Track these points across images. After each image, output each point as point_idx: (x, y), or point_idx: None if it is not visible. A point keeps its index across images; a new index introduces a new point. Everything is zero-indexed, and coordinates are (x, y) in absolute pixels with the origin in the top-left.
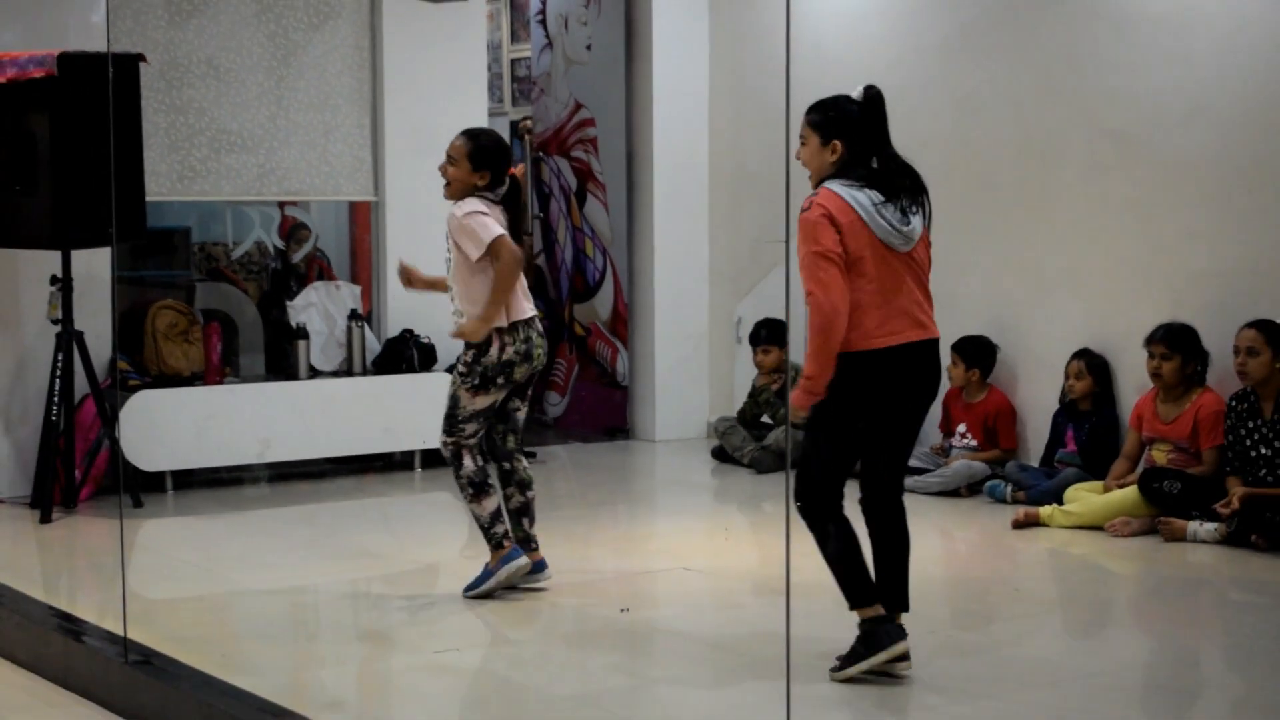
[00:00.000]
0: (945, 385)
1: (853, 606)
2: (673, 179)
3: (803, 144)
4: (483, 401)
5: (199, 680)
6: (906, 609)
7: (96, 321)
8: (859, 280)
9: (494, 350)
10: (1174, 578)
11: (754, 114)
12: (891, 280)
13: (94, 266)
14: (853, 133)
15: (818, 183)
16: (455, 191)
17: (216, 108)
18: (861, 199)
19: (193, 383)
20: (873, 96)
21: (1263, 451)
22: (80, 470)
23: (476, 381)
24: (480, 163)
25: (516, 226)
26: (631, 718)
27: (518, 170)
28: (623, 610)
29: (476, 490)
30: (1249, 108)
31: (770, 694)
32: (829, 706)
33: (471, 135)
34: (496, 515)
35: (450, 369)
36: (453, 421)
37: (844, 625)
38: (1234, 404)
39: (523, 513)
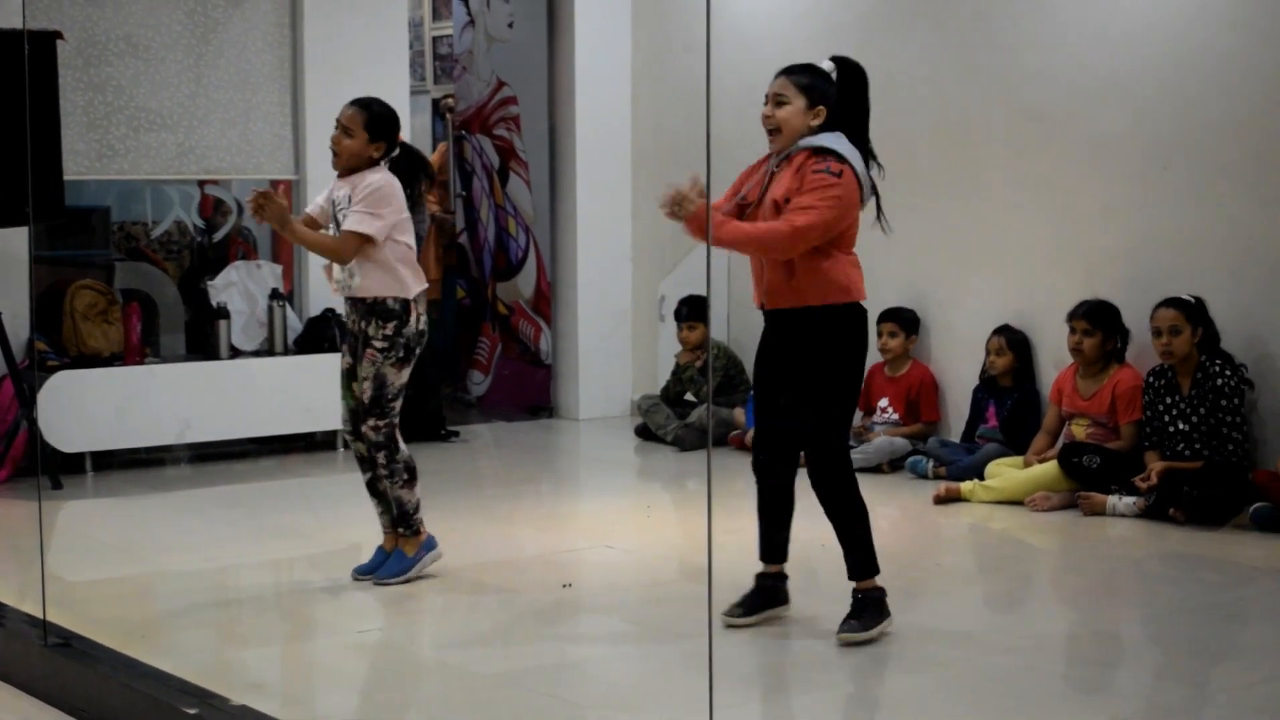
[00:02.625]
0: (875, 359)
1: (875, 573)
2: (595, 157)
3: (780, 104)
4: (405, 375)
5: (120, 662)
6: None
7: (14, 301)
8: (848, 234)
9: (412, 320)
10: (1093, 551)
11: (676, 91)
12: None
13: (11, 246)
14: (834, 101)
15: (786, 144)
16: (346, 163)
17: (135, 86)
18: (858, 158)
19: (112, 363)
20: (851, 67)
21: (1180, 426)
22: None
23: (401, 354)
24: (377, 133)
25: (414, 193)
26: (555, 694)
27: (440, 149)
28: (565, 585)
29: (411, 475)
30: (1165, 87)
31: (692, 668)
32: (750, 681)
33: (364, 105)
34: (418, 502)
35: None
36: (382, 403)
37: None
38: (1151, 380)
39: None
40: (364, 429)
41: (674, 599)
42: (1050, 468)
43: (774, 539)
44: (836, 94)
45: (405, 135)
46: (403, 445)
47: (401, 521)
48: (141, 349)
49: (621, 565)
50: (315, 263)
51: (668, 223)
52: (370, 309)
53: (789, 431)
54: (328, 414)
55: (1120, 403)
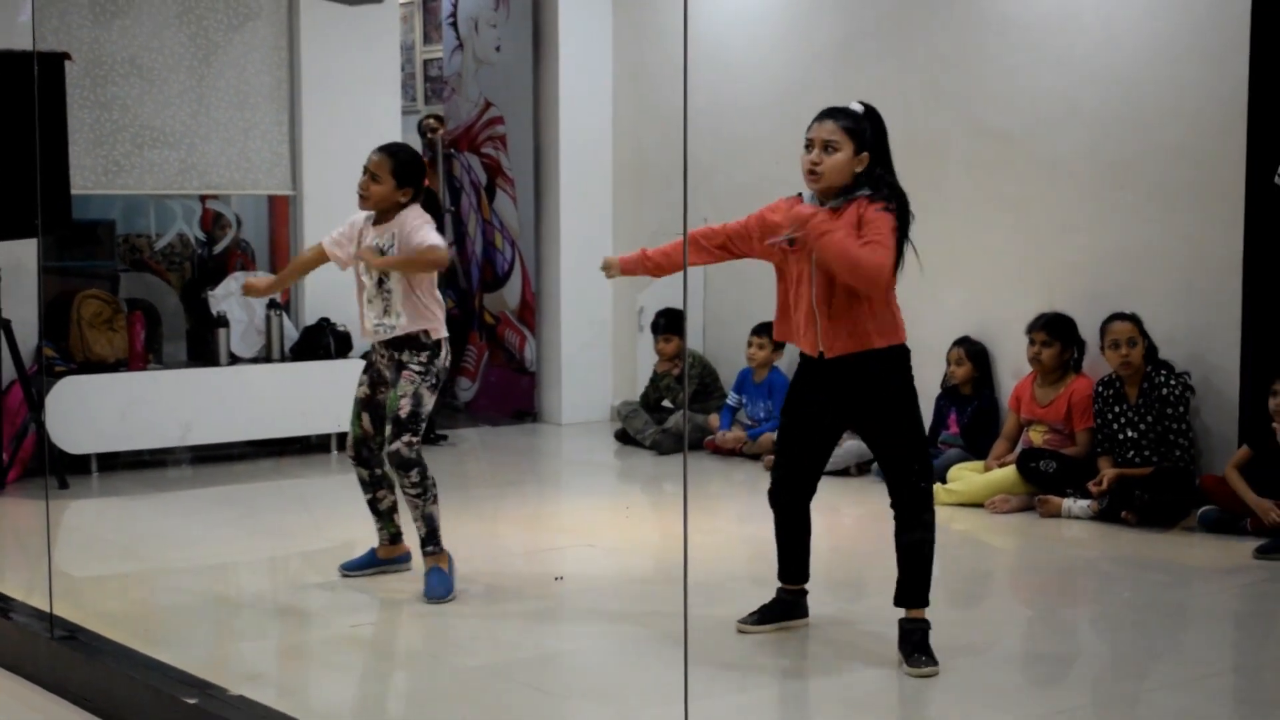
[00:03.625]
0: None
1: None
2: (578, 174)
3: (826, 150)
4: (433, 402)
5: (123, 654)
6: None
7: (23, 310)
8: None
9: (443, 355)
10: (1049, 552)
11: (655, 112)
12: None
13: (21, 257)
14: (875, 147)
15: (830, 191)
16: (376, 207)
17: (140, 105)
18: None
19: (117, 369)
20: (875, 114)
21: (1129, 434)
22: (7, 453)
23: (434, 381)
24: (404, 179)
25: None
26: (537, 686)
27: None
28: (557, 579)
29: (436, 492)
30: (1120, 109)
31: (669, 662)
32: (724, 674)
33: (391, 152)
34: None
35: (376, 372)
36: (417, 420)
37: (738, 599)
38: (1101, 390)
39: (394, 510)
40: (398, 445)
41: (651, 595)
42: (1009, 472)
43: (794, 561)
44: (878, 133)
45: None
46: (427, 464)
47: (431, 540)
48: (145, 355)
49: (601, 563)
50: (311, 273)
51: (646, 236)
52: (404, 342)
53: (813, 468)
54: (322, 418)
55: (1076, 410)
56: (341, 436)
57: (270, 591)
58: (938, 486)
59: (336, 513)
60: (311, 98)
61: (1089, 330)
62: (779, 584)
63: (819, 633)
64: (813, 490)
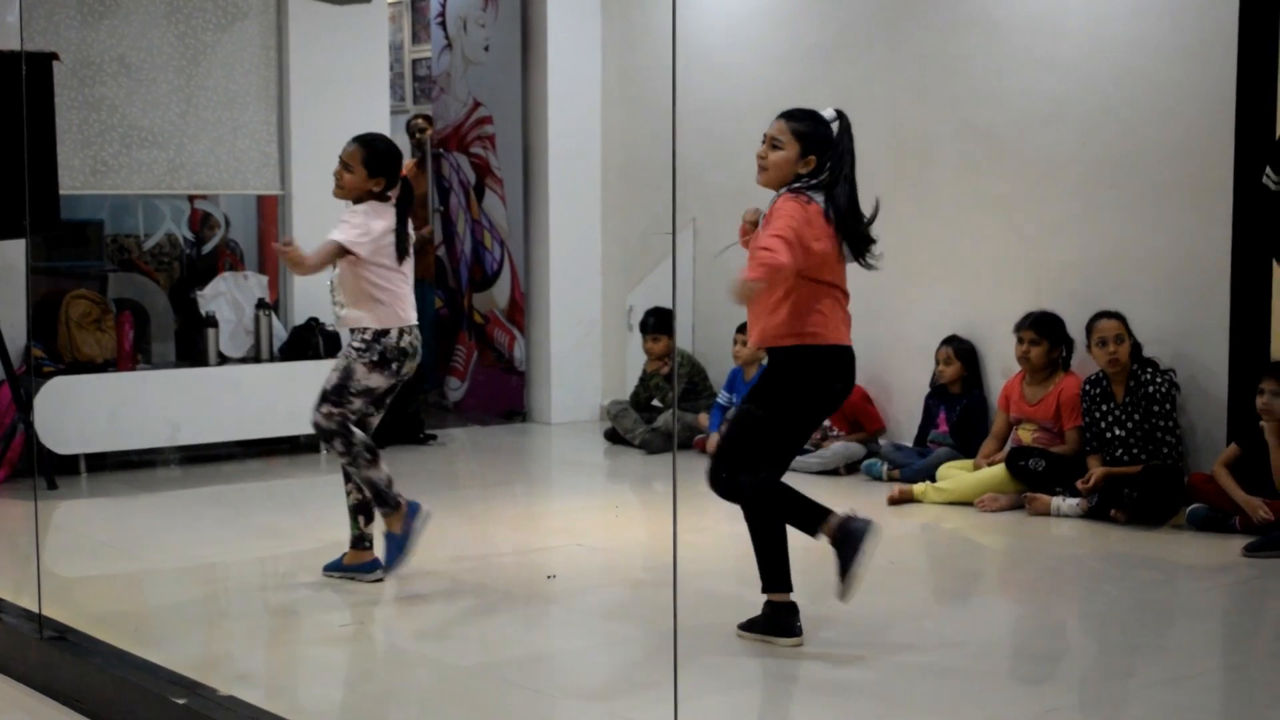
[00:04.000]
0: None
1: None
2: (567, 174)
3: (774, 147)
4: (374, 380)
5: (112, 655)
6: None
7: (11, 310)
8: (826, 279)
9: (393, 334)
10: (1038, 550)
11: (643, 112)
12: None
13: (9, 257)
14: (827, 151)
15: (775, 185)
16: (348, 195)
17: (128, 105)
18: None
19: (105, 369)
20: (845, 122)
21: (1117, 432)
22: None
23: (375, 358)
24: (375, 169)
25: (404, 226)
26: (527, 685)
27: (409, 166)
28: (549, 577)
29: (373, 456)
30: (1107, 109)
31: (658, 661)
32: (713, 673)
33: (364, 142)
34: (389, 477)
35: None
36: (342, 394)
37: (726, 599)
38: (1088, 388)
39: (361, 510)
40: (316, 415)
41: (640, 594)
42: (998, 470)
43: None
44: (834, 143)
45: None
46: (357, 431)
47: (380, 501)
48: (133, 356)
49: (591, 562)
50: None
51: (635, 236)
52: (352, 331)
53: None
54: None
55: (1065, 409)
56: None
57: (260, 592)
58: (927, 485)
59: (326, 513)
60: (300, 97)
61: (1077, 329)
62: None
63: (807, 634)
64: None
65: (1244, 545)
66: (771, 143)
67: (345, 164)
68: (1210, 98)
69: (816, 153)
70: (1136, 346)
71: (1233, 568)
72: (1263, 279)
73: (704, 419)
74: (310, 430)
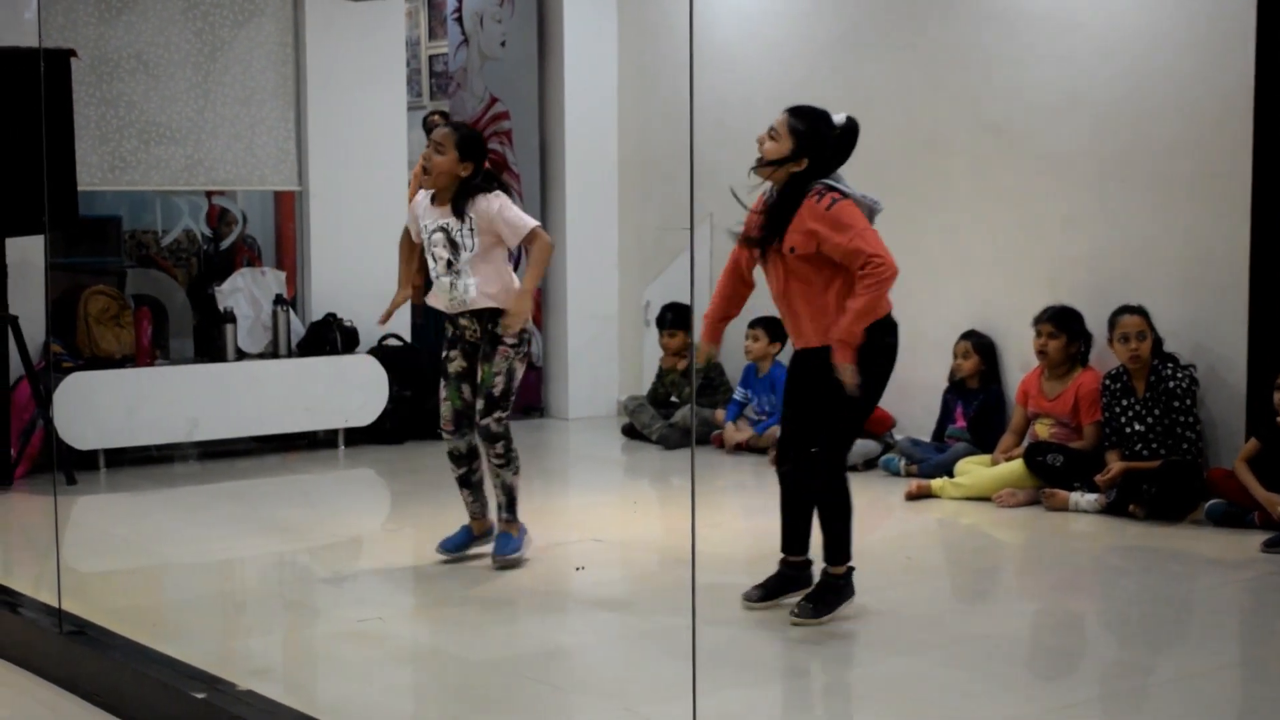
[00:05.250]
0: None
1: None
2: (583, 170)
3: (773, 140)
4: (521, 373)
5: (131, 649)
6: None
7: (30, 306)
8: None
9: (529, 324)
10: (1057, 545)
11: (660, 108)
12: None
13: (28, 253)
14: (822, 155)
15: (772, 180)
16: (439, 180)
17: (146, 101)
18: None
19: (124, 365)
20: (850, 129)
21: (1137, 428)
22: (16, 449)
23: (526, 350)
24: (467, 153)
25: None
26: (544, 680)
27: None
28: (578, 569)
29: (518, 466)
30: (1121, 103)
31: (676, 656)
32: (731, 667)
33: (455, 126)
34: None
35: (449, 351)
36: (509, 397)
37: (740, 593)
38: (1108, 383)
39: (483, 482)
40: (488, 421)
41: (658, 589)
42: (1016, 466)
43: (793, 531)
44: (834, 146)
45: (401, 150)
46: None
47: (509, 509)
48: (152, 351)
49: (609, 556)
50: (319, 267)
51: (651, 231)
52: (492, 315)
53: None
54: (329, 413)
55: (1083, 404)
56: (347, 431)
57: (277, 586)
58: (945, 480)
59: (341, 508)
60: (317, 93)
61: (1095, 323)
62: (781, 555)
63: (826, 626)
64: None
65: (1263, 541)
66: (770, 133)
67: (437, 144)
68: (1227, 90)
69: (810, 155)
70: (1158, 342)
71: (1251, 563)
72: None
73: (720, 414)
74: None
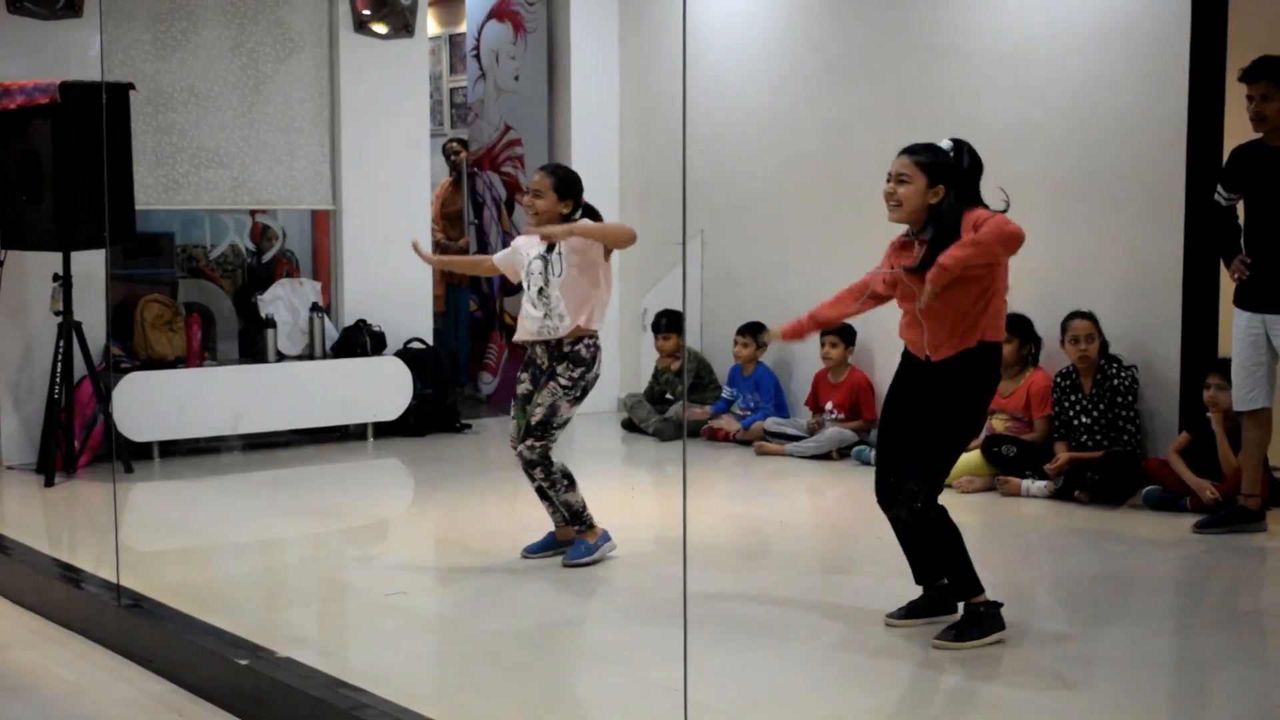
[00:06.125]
0: (816, 366)
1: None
2: (588, 191)
3: (901, 182)
4: (573, 412)
5: (182, 620)
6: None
7: (93, 312)
8: (1001, 282)
9: (596, 368)
10: (1010, 527)
11: (657, 136)
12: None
13: (91, 265)
14: (952, 179)
15: (905, 218)
16: (544, 222)
17: (196, 129)
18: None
19: (176, 365)
20: (963, 149)
21: (1083, 420)
22: (79, 441)
23: (578, 394)
24: (564, 192)
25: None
26: (552, 647)
27: (441, 185)
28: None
29: (570, 482)
30: (1070, 132)
31: (669, 625)
32: (717, 639)
33: (550, 170)
34: (583, 501)
35: (552, 381)
36: (546, 429)
37: (731, 570)
38: (1059, 380)
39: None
40: (521, 447)
41: (653, 567)
42: (974, 456)
43: (919, 563)
44: (958, 171)
45: (424, 173)
46: (556, 460)
47: (574, 520)
48: (201, 354)
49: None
50: (351, 278)
51: (650, 247)
52: (564, 355)
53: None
54: (360, 409)
55: (1034, 400)
56: (376, 425)
57: (313, 564)
58: None
59: (372, 494)
60: (350, 122)
61: (1045, 328)
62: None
63: (805, 600)
64: (916, 493)
65: (1194, 523)
66: (898, 178)
67: (535, 192)
68: (1164, 122)
69: (944, 181)
70: (1104, 344)
71: (1184, 543)
72: (1211, 283)
73: (709, 410)
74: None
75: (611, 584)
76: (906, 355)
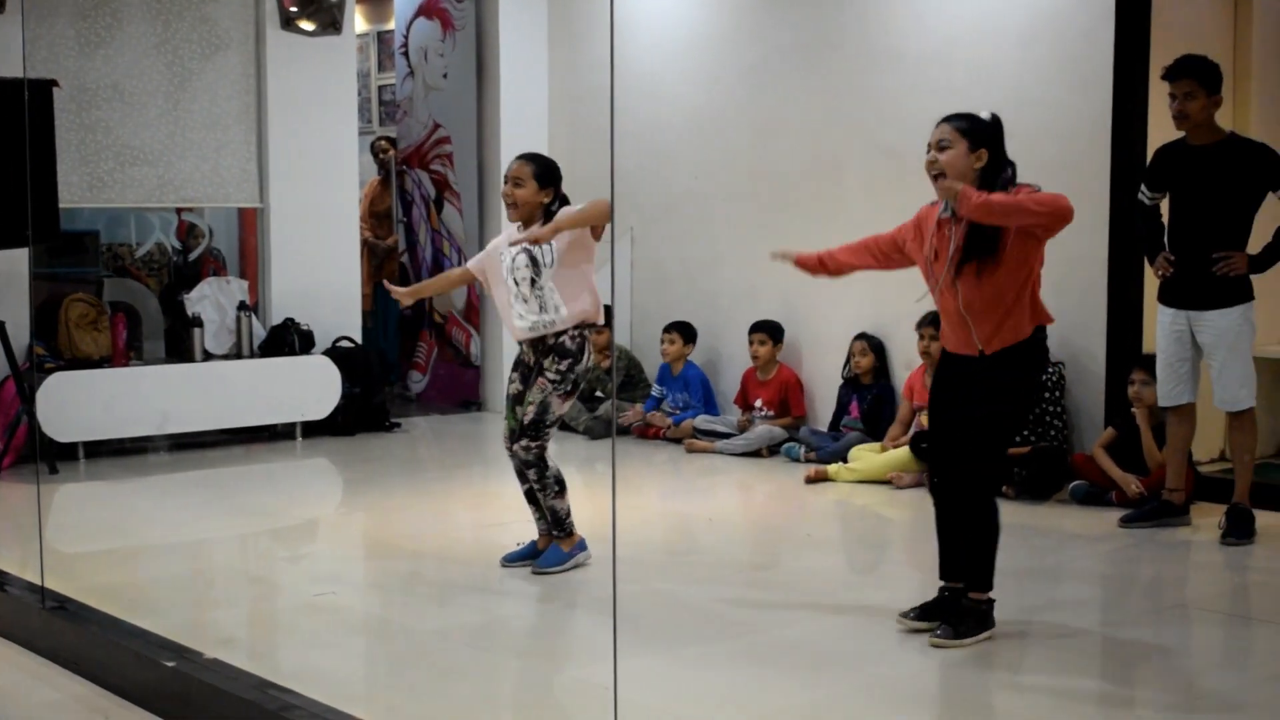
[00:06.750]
0: (745, 364)
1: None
2: None
3: (942, 149)
4: (567, 406)
5: (108, 622)
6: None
7: (16, 312)
8: (1040, 266)
9: (585, 359)
10: None
11: (587, 133)
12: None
13: (13, 264)
14: (995, 145)
15: (949, 194)
16: (524, 213)
17: (121, 126)
18: None
19: (101, 365)
20: (999, 120)
21: None
22: (2, 442)
23: (569, 389)
24: (545, 181)
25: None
26: (481, 646)
27: (375, 181)
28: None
29: (561, 487)
30: None
31: (599, 623)
32: (648, 635)
33: (529, 158)
34: (569, 508)
35: (530, 378)
36: (540, 428)
37: (659, 567)
38: None
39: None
40: (516, 448)
41: (584, 565)
42: (903, 452)
43: (949, 554)
44: (999, 137)
45: (353, 171)
46: (551, 462)
47: (556, 526)
48: (127, 353)
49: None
50: (278, 276)
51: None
52: (550, 349)
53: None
54: (287, 408)
55: None
56: (307, 425)
57: (241, 564)
58: (840, 466)
59: (301, 494)
60: (277, 119)
61: None
62: (940, 582)
63: (735, 596)
64: (974, 483)
65: (1120, 517)
66: (939, 145)
67: (515, 180)
68: (1089, 121)
69: (986, 145)
70: None
71: (1110, 537)
72: (1135, 281)
73: (639, 408)
74: (286, 420)
75: (542, 582)
76: (947, 357)
